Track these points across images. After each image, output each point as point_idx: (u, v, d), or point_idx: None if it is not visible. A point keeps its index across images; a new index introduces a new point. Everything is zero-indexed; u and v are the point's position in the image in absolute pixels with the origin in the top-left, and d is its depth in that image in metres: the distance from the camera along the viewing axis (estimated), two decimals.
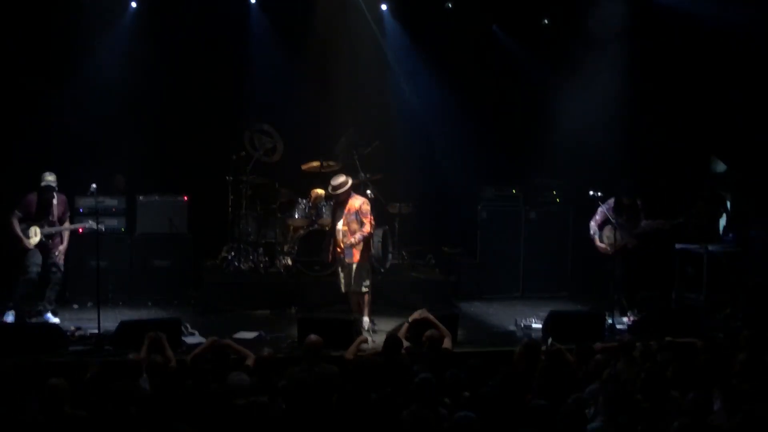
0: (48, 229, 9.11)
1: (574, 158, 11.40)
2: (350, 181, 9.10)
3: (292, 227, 10.81)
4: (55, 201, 9.12)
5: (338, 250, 9.07)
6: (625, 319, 9.58)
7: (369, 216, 8.99)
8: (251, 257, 10.71)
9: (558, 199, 11.64)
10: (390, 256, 10.69)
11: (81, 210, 10.10)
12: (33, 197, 9.08)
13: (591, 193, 9.74)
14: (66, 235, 9.29)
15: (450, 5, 11.63)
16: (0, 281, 9.42)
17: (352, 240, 8.87)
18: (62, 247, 9.25)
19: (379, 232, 10.22)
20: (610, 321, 9.21)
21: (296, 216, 10.67)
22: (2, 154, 10.49)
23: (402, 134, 11.69)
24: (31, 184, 9.15)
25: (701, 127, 11.17)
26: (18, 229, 8.99)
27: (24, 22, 10.43)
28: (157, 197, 10.76)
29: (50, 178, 9.03)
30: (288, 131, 11.13)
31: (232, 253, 10.71)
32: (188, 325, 8.75)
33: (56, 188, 9.08)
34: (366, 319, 8.91)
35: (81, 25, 10.53)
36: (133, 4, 11.11)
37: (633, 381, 6.08)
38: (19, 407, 5.52)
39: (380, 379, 6.20)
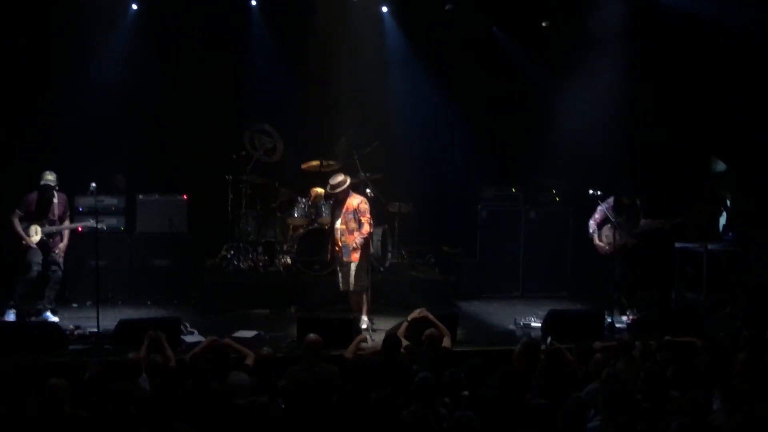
0: (49, 228, 9.12)
1: (574, 158, 11.40)
2: (348, 180, 9.13)
3: (291, 226, 10.82)
4: (55, 200, 9.13)
5: (337, 249, 9.09)
6: (624, 319, 9.58)
7: (367, 215, 9.00)
8: (251, 256, 10.71)
9: (558, 199, 11.64)
10: (390, 255, 10.69)
11: (81, 209, 10.10)
12: (33, 196, 9.10)
13: (591, 192, 9.74)
14: (66, 234, 9.30)
15: (450, 7, 11.62)
16: (1, 280, 9.42)
17: (354, 243, 8.89)
18: (62, 245, 9.26)
19: (379, 231, 10.23)
20: (609, 320, 9.21)
21: (296, 215, 10.67)
22: (3, 153, 10.49)
23: (402, 134, 11.69)
24: (31, 183, 9.17)
25: (701, 127, 11.16)
26: (19, 228, 9.01)
27: (24, 23, 10.42)
28: (157, 196, 10.76)
29: (50, 177, 9.04)
30: (288, 131, 11.13)
31: (232, 253, 10.71)
32: (188, 324, 8.76)
33: (56, 187, 9.09)
34: (365, 318, 8.92)
35: (82, 25, 10.53)
36: (134, 6, 11.10)
37: (633, 380, 6.08)
38: (19, 407, 5.52)
39: (380, 379, 6.21)
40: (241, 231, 10.74)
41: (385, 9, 11.80)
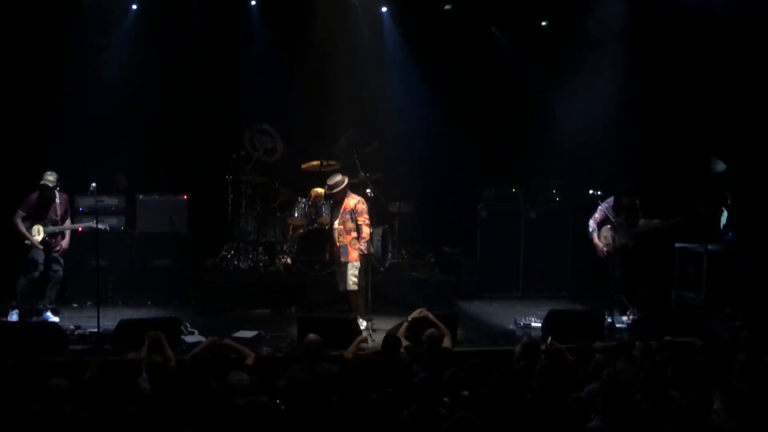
0: (51, 228, 9.13)
1: (574, 158, 11.39)
2: (346, 180, 9.17)
3: (291, 226, 10.82)
4: (57, 200, 9.13)
5: (335, 249, 9.12)
6: (624, 319, 9.59)
7: (364, 215, 9.03)
8: (251, 256, 10.71)
9: (558, 199, 11.64)
10: (390, 255, 10.70)
11: (81, 209, 10.10)
12: (34, 196, 9.10)
13: (591, 192, 9.75)
14: (67, 234, 9.31)
15: (449, 7, 11.61)
16: (3, 280, 9.43)
17: (361, 248, 8.90)
18: (64, 243, 9.27)
19: (379, 231, 10.23)
20: (609, 320, 9.21)
21: (296, 215, 10.67)
22: (4, 153, 10.50)
23: (402, 134, 11.68)
24: (32, 183, 9.17)
25: (701, 127, 11.16)
26: (23, 228, 9.02)
27: (25, 23, 10.43)
28: (157, 196, 10.76)
29: (51, 177, 9.05)
30: (288, 131, 11.13)
31: (232, 252, 10.71)
32: (188, 325, 8.76)
33: (58, 187, 9.09)
34: (361, 319, 8.91)
35: (82, 25, 10.54)
36: (134, 6, 11.09)
37: (633, 381, 6.08)
38: (19, 407, 5.52)
39: (380, 379, 6.21)
40: (241, 231, 10.74)
41: (384, 9, 11.80)
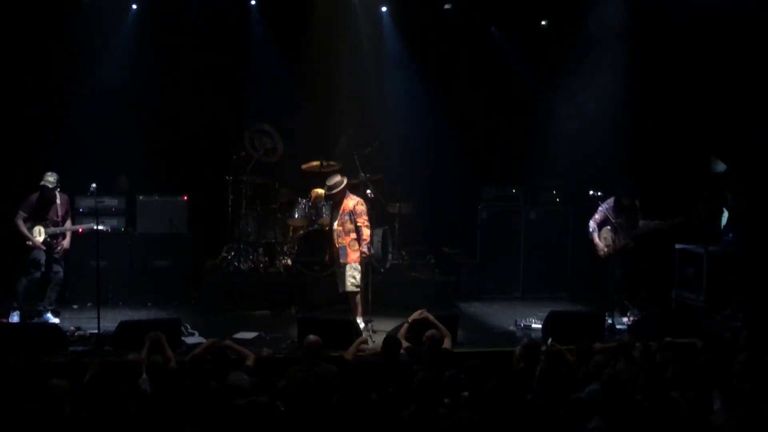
0: (53, 229, 9.14)
1: (574, 158, 11.39)
2: (345, 181, 9.18)
3: (291, 227, 10.82)
4: (58, 201, 9.14)
5: (334, 250, 9.14)
6: (624, 320, 9.59)
7: (363, 216, 9.04)
8: (251, 257, 10.71)
9: (558, 199, 11.64)
10: (390, 256, 10.69)
11: (81, 210, 10.10)
12: (35, 197, 9.11)
13: (591, 193, 9.76)
14: (68, 235, 9.31)
15: (449, 6, 11.61)
16: (4, 281, 9.43)
17: (363, 250, 8.91)
18: (65, 243, 9.27)
19: (379, 232, 10.23)
20: (609, 321, 9.22)
21: (296, 216, 10.67)
22: (4, 153, 10.50)
23: (402, 134, 11.68)
24: (32, 183, 9.18)
25: (701, 127, 11.16)
26: (24, 229, 9.03)
27: (25, 23, 10.42)
28: (157, 197, 10.77)
29: (51, 178, 9.05)
30: (288, 131, 11.13)
31: (232, 253, 10.71)
32: (188, 326, 8.77)
33: (58, 188, 9.10)
34: (359, 320, 8.91)
35: (82, 26, 10.52)
36: (134, 6, 11.09)
37: (633, 381, 6.08)
38: (19, 407, 5.52)
39: (380, 380, 6.21)
40: (242, 232, 10.74)
41: (384, 9, 11.80)
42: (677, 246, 10.58)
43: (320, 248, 10.00)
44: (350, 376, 6.40)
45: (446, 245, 11.66)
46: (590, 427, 5.42)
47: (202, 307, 9.93)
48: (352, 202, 9.11)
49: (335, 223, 9.14)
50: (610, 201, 9.78)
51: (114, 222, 10.36)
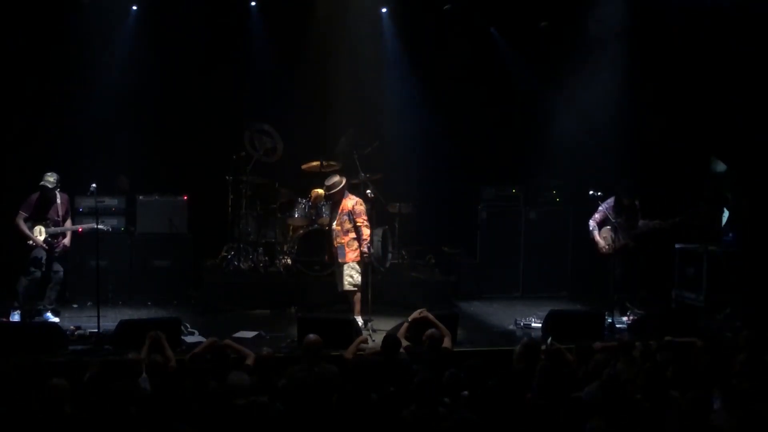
0: (53, 229, 9.15)
1: (574, 158, 11.40)
2: (344, 181, 9.21)
3: (291, 227, 10.81)
4: (58, 200, 9.15)
5: (333, 249, 9.15)
6: (624, 319, 9.59)
7: (362, 216, 9.06)
8: (251, 257, 10.72)
9: (558, 199, 11.65)
10: (390, 255, 10.68)
11: (81, 210, 10.11)
12: (35, 197, 9.12)
13: (591, 193, 9.76)
14: (68, 234, 9.32)
15: (448, 7, 11.61)
16: (5, 281, 9.43)
17: (364, 250, 8.91)
18: (66, 241, 9.28)
19: (379, 232, 10.23)
20: (609, 320, 9.21)
21: (296, 216, 10.67)
22: (4, 153, 10.50)
23: (402, 134, 11.68)
24: (32, 183, 9.19)
25: (701, 127, 11.16)
26: (25, 228, 9.05)
27: (25, 23, 10.42)
28: (157, 197, 10.78)
29: (51, 178, 9.06)
30: (288, 131, 11.13)
31: (232, 253, 10.71)
32: (188, 325, 8.77)
33: (58, 187, 9.10)
34: (359, 319, 8.92)
35: (83, 26, 10.52)
36: (134, 6, 11.09)
37: (633, 381, 6.08)
38: (19, 407, 5.52)
39: (380, 379, 6.21)
40: (242, 231, 10.74)
41: (384, 9, 11.79)
42: (677, 246, 10.59)
43: (320, 248, 10.01)
44: (350, 375, 6.40)
45: (446, 245, 11.66)
46: (590, 427, 5.42)
47: (202, 306, 9.94)
48: (350, 202, 9.13)
49: (334, 223, 9.17)
50: (610, 201, 9.78)
51: (114, 222, 10.37)
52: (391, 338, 7.12)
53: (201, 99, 11.16)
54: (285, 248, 10.74)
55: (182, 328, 8.50)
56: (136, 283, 10.41)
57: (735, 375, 6.29)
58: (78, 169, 9.96)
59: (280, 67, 11.49)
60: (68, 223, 9.33)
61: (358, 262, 9.07)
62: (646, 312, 9.62)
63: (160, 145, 11.11)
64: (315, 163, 10.89)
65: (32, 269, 9.07)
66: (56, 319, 9.08)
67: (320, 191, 10.54)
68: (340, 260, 9.11)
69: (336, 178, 9.21)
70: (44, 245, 9.07)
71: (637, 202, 9.85)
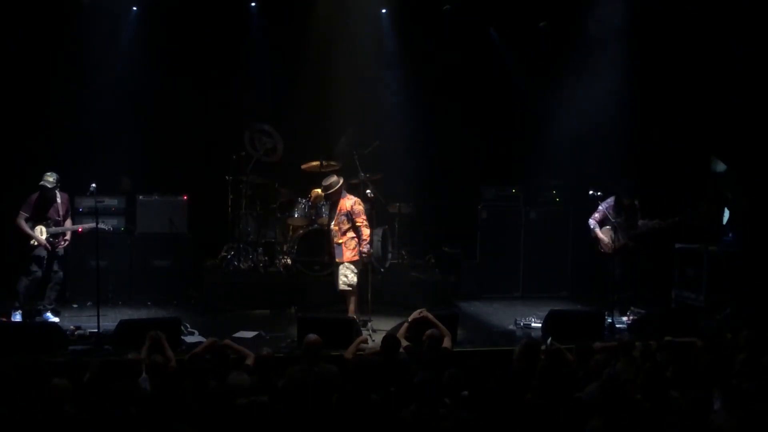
0: (54, 229, 9.15)
1: (574, 158, 11.40)
2: (341, 181, 9.22)
3: (291, 227, 10.81)
4: (58, 200, 9.16)
5: (332, 249, 9.17)
6: (624, 319, 9.59)
7: (362, 216, 9.06)
8: (251, 257, 10.72)
9: (558, 199, 11.65)
10: (390, 255, 10.69)
11: (81, 210, 10.11)
12: (34, 197, 9.13)
13: (591, 193, 9.76)
14: (69, 234, 9.32)
15: (448, 7, 11.61)
16: (6, 281, 9.43)
17: (363, 251, 8.91)
18: (67, 237, 9.28)
19: (379, 232, 10.24)
20: (609, 320, 9.21)
21: (296, 216, 10.67)
22: (4, 153, 10.50)
23: (402, 134, 11.67)
24: (32, 183, 9.19)
25: (701, 127, 11.16)
26: (27, 228, 9.05)
27: (25, 23, 10.42)
28: (157, 197, 10.77)
29: (50, 178, 9.06)
30: (288, 131, 11.13)
31: (232, 253, 10.71)
32: (188, 325, 8.77)
33: (58, 187, 9.10)
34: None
35: (83, 26, 10.52)
36: (135, 7, 11.09)
37: (633, 381, 6.08)
38: (19, 407, 5.52)
39: (379, 379, 6.21)
40: (241, 231, 10.74)
41: (384, 10, 11.79)
42: (677, 246, 10.59)
43: (320, 248, 10.01)
44: (350, 375, 6.40)
45: (446, 245, 11.66)
46: (590, 427, 5.42)
47: (202, 306, 9.94)
48: (349, 202, 9.13)
49: (332, 223, 9.18)
50: (610, 201, 9.78)
51: (114, 222, 10.37)
52: (390, 338, 7.12)
53: (201, 99, 11.16)
54: (285, 248, 10.74)
55: (182, 328, 8.50)
56: (136, 283, 10.42)
57: (735, 375, 6.29)
58: (78, 169, 9.95)
59: (280, 67, 11.48)
60: (68, 223, 9.33)
61: (355, 263, 9.07)
62: (646, 312, 9.62)
63: (160, 145, 11.12)
64: (315, 163, 10.88)
65: (33, 269, 9.09)
66: (56, 319, 9.09)
67: (320, 191, 10.54)
68: (337, 260, 9.13)
69: (333, 179, 9.22)
70: (47, 245, 9.07)
71: (637, 202, 9.85)
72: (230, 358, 6.87)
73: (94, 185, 8.81)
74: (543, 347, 7.12)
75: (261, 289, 10.33)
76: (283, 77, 11.48)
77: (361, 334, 8.28)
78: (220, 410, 5.62)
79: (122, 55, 10.88)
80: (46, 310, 9.18)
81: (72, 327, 8.69)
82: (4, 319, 8.91)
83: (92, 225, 9.03)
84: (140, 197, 10.71)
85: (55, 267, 9.24)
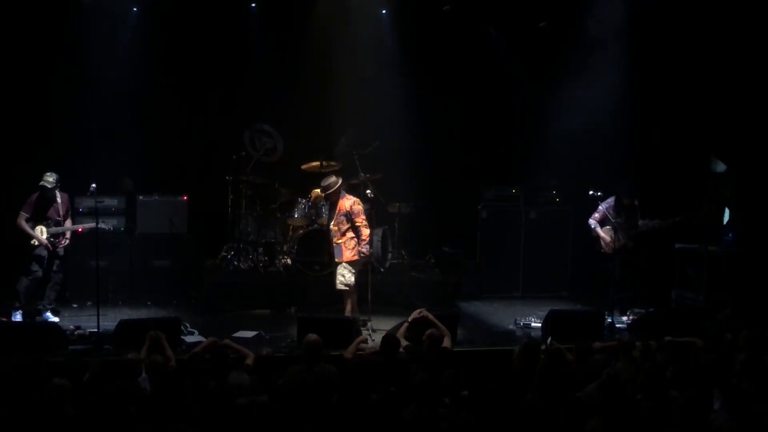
0: (55, 229, 9.17)
1: (574, 158, 11.40)
2: (340, 182, 9.24)
3: (291, 227, 10.82)
4: (58, 200, 9.17)
5: (332, 249, 9.19)
6: (624, 319, 9.59)
7: (361, 216, 9.07)
8: (251, 257, 10.72)
9: (558, 199, 11.65)
10: (390, 255, 10.68)
11: (81, 210, 10.11)
12: (34, 197, 9.14)
13: (591, 193, 9.77)
14: (69, 234, 9.32)
15: (448, 7, 11.62)
16: (6, 281, 9.43)
17: (363, 251, 8.91)
18: (67, 237, 9.28)
19: (379, 232, 10.23)
20: (609, 320, 9.22)
21: (296, 216, 10.67)
22: (4, 153, 10.50)
23: (402, 134, 11.66)
24: (33, 183, 9.20)
25: (701, 127, 11.17)
26: (28, 228, 9.07)
27: (26, 23, 10.43)
28: (157, 197, 10.78)
29: (50, 178, 9.07)
30: (288, 131, 11.13)
31: (232, 253, 10.71)
32: (188, 325, 8.78)
33: (58, 187, 9.11)
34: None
35: (83, 26, 10.52)
36: (135, 8, 11.09)
37: (633, 381, 6.08)
38: (19, 407, 5.52)
39: (379, 379, 6.21)
40: (241, 231, 10.74)
41: (384, 10, 11.80)
42: (677, 246, 10.58)
43: (320, 248, 10.01)
44: (350, 375, 6.40)
45: (446, 245, 11.66)
46: (590, 427, 5.42)
47: (202, 306, 9.94)
48: (348, 202, 9.13)
49: (331, 224, 9.18)
50: (610, 201, 9.79)
51: (114, 222, 10.37)
52: (390, 338, 7.11)
53: (201, 99, 11.16)
54: (285, 248, 10.74)
55: (182, 328, 8.50)
56: (136, 283, 10.42)
57: (735, 375, 6.29)
58: (78, 169, 9.96)
59: (281, 67, 11.49)
60: (68, 223, 9.34)
61: (353, 263, 9.08)
62: (646, 312, 9.62)
63: (160, 145, 11.12)
64: (315, 163, 10.88)
65: (34, 268, 9.10)
66: (56, 319, 9.10)
67: (320, 191, 10.55)
68: (336, 260, 9.14)
69: (332, 179, 9.23)
70: (48, 245, 9.08)
71: (636, 202, 9.86)
72: (230, 358, 6.87)
73: (94, 185, 8.81)
74: (543, 347, 7.12)
75: (261, 289, 10.33)
76: (284, 77, 11.48)
77: (360, 333, 8.28)
78: (219, 410, 5.62)
79: (122, 55, 10.87)
80: (46, 310, 9.19)
81: (72, 327, 8.70)
82: (5, 319, 8.93)
83: (92, 225, 9.03)
84: (140, 197, 10.71)
85: (56, 267, 9.25)
